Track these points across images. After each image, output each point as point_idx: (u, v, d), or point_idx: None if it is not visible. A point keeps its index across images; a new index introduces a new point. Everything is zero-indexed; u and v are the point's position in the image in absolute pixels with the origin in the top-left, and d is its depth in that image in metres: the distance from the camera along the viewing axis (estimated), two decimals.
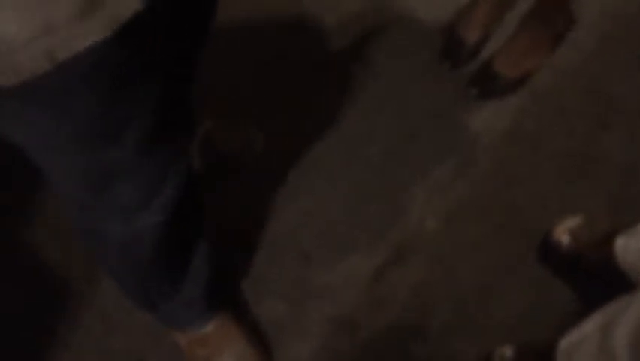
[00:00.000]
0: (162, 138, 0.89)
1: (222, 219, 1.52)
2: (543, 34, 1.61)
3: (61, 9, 0.63)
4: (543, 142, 1.61)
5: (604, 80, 1.67)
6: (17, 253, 1.50)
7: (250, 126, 1.61)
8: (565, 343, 1.15)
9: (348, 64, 1.71)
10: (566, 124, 1.63)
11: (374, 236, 1.53)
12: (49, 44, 0.64)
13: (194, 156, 1.51)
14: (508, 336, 1.37)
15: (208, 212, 1.46)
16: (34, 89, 0.68)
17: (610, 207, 1.52)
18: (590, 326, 1.12)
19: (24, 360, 1.41)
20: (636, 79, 1.67)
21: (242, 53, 1.70)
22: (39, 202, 1.53)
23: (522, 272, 1.47)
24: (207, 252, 1.23)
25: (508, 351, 1.30)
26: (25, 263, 1.49)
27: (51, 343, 1.41)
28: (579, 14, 1.67)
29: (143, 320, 1.37)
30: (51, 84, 0.69)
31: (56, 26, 0.63)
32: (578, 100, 1.65)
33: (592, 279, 1.37)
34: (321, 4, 1.76)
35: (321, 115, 1.65)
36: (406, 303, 1.46)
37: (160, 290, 1.24)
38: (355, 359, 1.41)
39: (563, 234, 1.40)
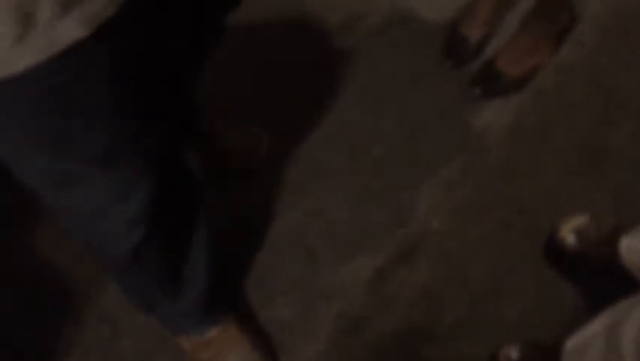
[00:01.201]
0: (124, 151, 0.88)
1: (226, 220, 1.52)
2: (545, 32, 1.60)
3: None
4: (547, 139, 1.61)
5: (607, 76, 1.67)
6: (23, 255, 1.50)
7: (254, 127, 1.61)
8: (571, 343, 1.15)
9: (351, 64, 1.70)
10: (569, 120, 1.62)
11: (379, 236, 1.53)
12: None
13: (197, 157, 1.51)
14: (515, 335, 1.37)
15: (212, 213, 1.47)
16: None
17: (615, 203, 1.51)
18: (597, 326, 1.12)
19: None
20: None
21: (245, 54, 1.70)
22: (42, 205, 1.53)
23: (528, 270, 1.46)
24: (207, 259, 1.23)
25: (513, 352, 1.30)
26: (31, 264, 1.50)
27: (57, 345, 1.42)
28: (581, 10, 1.67)
29: (148, 322, 1.38)
30: None
31: None
32: (582, 96, 1.65)
33: (598, 277, 1.37)
34: (324, 5, 1.76)
35: (324, 115, 1.65)
36: (412, 303, 1.46)
37: (157, 296, 1.25)
38: (362, 360, 1.41)
39: (568, 233, 1.40)
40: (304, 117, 1.64)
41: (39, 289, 1.47)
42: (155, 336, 1.41)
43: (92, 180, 0.89)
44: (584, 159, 1.58)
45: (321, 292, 1.48)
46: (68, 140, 0.80)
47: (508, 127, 1.63)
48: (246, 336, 1.38)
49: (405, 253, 1.51)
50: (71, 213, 0.99)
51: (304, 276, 1.49)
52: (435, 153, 1.60)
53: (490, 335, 1.40)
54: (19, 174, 0.91)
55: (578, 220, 1.41)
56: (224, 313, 1.38)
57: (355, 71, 1.70)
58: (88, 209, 0.96)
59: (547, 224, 1.47)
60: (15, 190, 1.51)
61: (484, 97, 1.64)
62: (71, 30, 0.66)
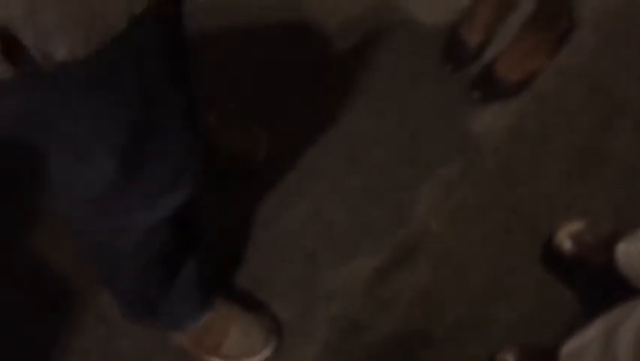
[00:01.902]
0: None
1: (225, 221, 1.53)
2: (545, 36, 1.60)
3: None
4: (547, 142, 1.61)
5: (607, 81, 1.67)
6: (22, 256, 1.51)
7: (254, 128, 1.61)
8: (568, 348, 1.16)
9: (351, 66, 1.71)
10: (569, 124, 1.63)
11: (379, 237, 1.53)
12: (88, 33, 0.67)
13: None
14: (513, 338, 1.38)
15: (211, 213, 1.47)
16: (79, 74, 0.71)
17: (613, 208, 1.52)
18: (593, 331, 1.13)
19: None
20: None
21: (245, 56, 1.70)
22: (42, 205, 1.54)
23: (527, 273, 1.47)
24: (198, 254, 1.25)
25: (510, 356, 1.31)
26: (30, 266, 1.50)
27: (55, 346, 1.42)
28: (581, 14, 1.67)
29: None
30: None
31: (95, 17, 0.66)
32: (581, 101, 1.65)
33: (595, 282, 1.37)
34: (324, 7, 1.76)
35: (324, 117, 1.65)
36: (412, 304, 1.47)
37: (158, 285, 1.25)
38: None
39: (565, 238, 1.40)
40: (304, 119, 1.65)
41: (38, 290, 1.47)
42: (154, 337, 1.41)
43: (162, 151, 0.93)
44: (583, 163, 1.59)
45: (321, 293, 1.48)
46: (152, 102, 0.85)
47: (508, 130, 1.63)
48: (240, 309, 1.40)
49: (404, 254, 1.51)
50: (138, 198, 1.00)
51: (303, 277, 1.50)
52: (434, 155, 1.60)
53: (489, 338, 1.41)
54: (77, 185, 0.94)
55: (575, 225, 1.41)
56: (218, 296, 1.39)
57: (355, 73, 1.70)
58: (155, 186, 0.98)
59: (545, 227, 1.47)
60: (17, 192, 1.53)
61: (483, 100, 1.64)
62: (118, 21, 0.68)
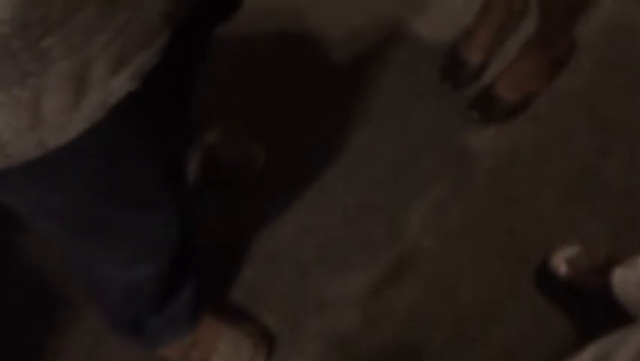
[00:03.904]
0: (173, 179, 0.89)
1: (220, 231, 1.52)
2: (544, 58, 1.61)
3: (51, 103, 0.62)
4: (543, 165, 1.62)
5: (604, 104, 1.68)
6: (11, 264, 1.49)
7: (251, 140, 1.61)
8: None
9: (350, 80, 1.71)
10: (565, 147, 1.63)
11: (372, 253, 1.53)
12: (39, 136, 0.64)
13: (194, 170, 1.51)
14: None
15: (205, 224, 1.46)
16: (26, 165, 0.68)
17: (609, 232, 1.52)
18: (586, 356, 1.12)
19: None
20: (637, 103, 1.68)
21: (244, 66, 1.70)
22: None
23: (519, 296, 1.47)
24: (196, 275, 1.23)
25: None
26: (18, 274, 1.48)
27: (41, 353, 1.41)
28: (578, 38, 1.68)
29: None
30: (42, 161, 0.68)
31: (46, 119, 0.63)
32: (579, 123, 1.66)
33: (589, 307, 1.37)
34: (325, 20, 1.76)
35: (322, 131, 1.65)
36: (402, 322, 1.46)
37: (148, 309, 1.24)
38: None
39: (560, 262, 1.40)
40: (301, 131, 1.64)
41: (26, 299, 1.46)
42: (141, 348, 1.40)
43: (132, 225, 0.90)
44: (579, 187, 1.59)
45: (311, 308, 1.48)
46: (116, 185, 0.80)
47: (504, 152, 1.63)
48: (230, 323, 1.39)
49: (396, 271, 1.51)
50: (110, 263, 0.98)
51: (294, 291, 1.49)
52: (430, 173, 1.60)
53: (479, 359, 1.41)
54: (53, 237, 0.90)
55: (571, 250, 1.41)
56: (207, 310, 1.38)
57: (354, 86, 1.70)
58: (129, 255, 0.96)
59: (539, 250, 1.47)
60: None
61: (481, 120, 1.64)
62: (122, 86, 0.65)
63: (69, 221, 0.84)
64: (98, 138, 0.68)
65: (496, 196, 1.58)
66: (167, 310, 1.23)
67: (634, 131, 1.64)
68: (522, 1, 1.63)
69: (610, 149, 1.63)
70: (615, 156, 1.62)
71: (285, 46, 1.74)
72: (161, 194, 0.90)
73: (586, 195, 1.58)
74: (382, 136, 1.65)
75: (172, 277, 1.15)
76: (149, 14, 0.64)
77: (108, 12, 0.60)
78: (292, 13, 1.76)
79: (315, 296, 1.49)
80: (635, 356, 1.02)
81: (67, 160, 0.70)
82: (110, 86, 0.65)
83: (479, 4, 1.64)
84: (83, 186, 0.77)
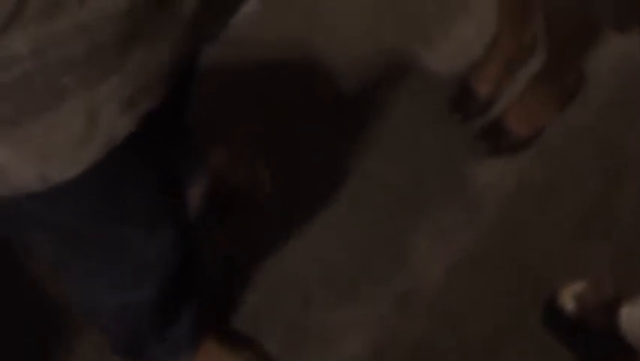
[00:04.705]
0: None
1: (223, 257, 1.52)
2: (553, 92, 1.61)
3: (60, 139, 0.64)
4: (551, 198, 1.61)
5: (614, 139, 1.67)
6: (15, 280, 1.48)
7: (259, 165, 1.61)
8: None
9: (359, 109, 1.71)
10: (575, 182, 1.62)
11: (378, 283, 1.52)
12: (44, 171, 0.66)
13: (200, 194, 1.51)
14: None
15: (210, 249, 1.46)
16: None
17: (617, 268, 1.51)
18: None
19: None
20: None
21: (252, 94, 1.70)
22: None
23: (526, 331, 1.45)
24: (198, 302, 1.23)
25: None
26: (22, 290, 1.48)
27: None
28: (589, 73, 1.68)
29: None
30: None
31: (52, 156, 0.65)
32: (588, 158, 1.65)
33: (596, 344, 1.36)
34: (335, 47, 1.76)
35: (329, 158, 1.65)
36: (408, 353, 1.45)
37: (147, 335, 1.23)
38: None
39: (567, 298, 1.39)
40: (309, 158, 1.64)
41: (30, 315, 1.46)
42: None
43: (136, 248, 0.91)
44: (588, 221, 1.58)
45: (315, 337, 1.47)
46: (114, 206, 0.82)
47: (512, 185, 1.62)
48: (230, 347, 1.38)
49: (401, 302, 1.50)
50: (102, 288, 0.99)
51: (298, 318, 1.48)
52: (437, 205, 1.60)
53: None
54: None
55: (578, 286, 1.40)
56: (208, 335, 1.36)
57: (362, 116, 1.70)
58: (120, 282, 0.97)
59: (547, 285, 1.46)
60: None
61: (490, 153, 1.64)
62: (127, 126, 0.67)
63: (65, 238, 0.85)
64: (96, 167, 0.69)
65: (503, 229, 1.57)
66: (167, 335, 1.22)
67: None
68: (531, 34, 1.63)
69: (620, 184, 1.61)
70: (626, 192, 1.60)
71: (295, 73, 1.74)
72: (158, 216, 0.91)
73: (595, 230, 1.57)
74: (390, 166, 1.64)
75: (170, 302, 1.15)
76: (160, 59, 0.66)
77: (125, 54, 0.62)
78: (302, 41, 1.77)
79: (320, 325, 1.48)
80: None
81: (67, 185, 0.70)
82: (118, 125, 0.66)
83: (489, 36, 1.65)
84: (82, 206, 0.78)
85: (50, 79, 0.60)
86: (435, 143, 1.67)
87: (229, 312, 1.49)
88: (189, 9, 0.66)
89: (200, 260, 1.22)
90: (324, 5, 1.81)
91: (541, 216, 1.59)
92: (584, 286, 1.40)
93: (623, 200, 1.60)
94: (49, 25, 0.56)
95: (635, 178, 1.62)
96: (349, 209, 1.59)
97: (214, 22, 0.72)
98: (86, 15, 0.57)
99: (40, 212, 0.78)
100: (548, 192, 1.62)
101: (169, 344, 1.25)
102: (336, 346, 1.46)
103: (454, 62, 1.73)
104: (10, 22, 0.55)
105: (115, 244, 0.89)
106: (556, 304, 1.40)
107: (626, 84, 1.73)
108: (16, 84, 0.59)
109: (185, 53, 0.69)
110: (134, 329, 1.18)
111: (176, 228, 0.97)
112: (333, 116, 1.70)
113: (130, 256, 0.94)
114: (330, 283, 1.52)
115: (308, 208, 1.59)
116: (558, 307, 1.39)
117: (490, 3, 1.62)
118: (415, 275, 1.52)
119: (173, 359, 1.32)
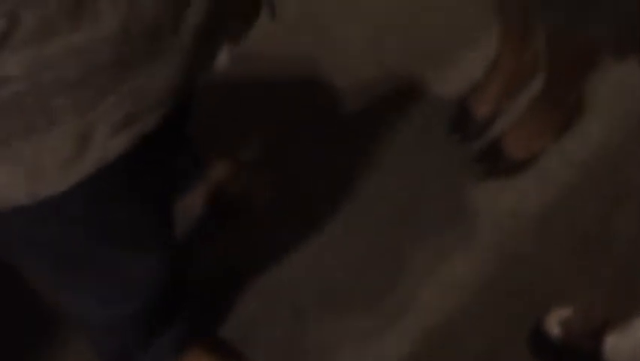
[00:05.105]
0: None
1: (219, 264, 1.53)
2: (552, 116, 1.62)
3: (50, 159, 0.65)
4: (546, 224, 1.61)
5: (612, 167, 1.67)
6: (12, 279, 1.49)
7: (260, 175, 1.62)
8: None
9: (359, 129, 1.72)
10: (570, 208, 1.63)
11: (372, 299, 1.53)
12: (33, 188, 0.67)
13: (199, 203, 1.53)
14: None
15: (205, 254, 1.47)
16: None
17: (607, 296, 1.51)
18: None
19: None
20: None
21: (255, 113, 1.72)
22: None
23: (513, 356, 1.46)
24: (185, 316, 1.25)
25: None
26: (19, 288, 1.49)
27: None
28: (588, 101, 1.69)
29: None
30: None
31: (42, 174, 0.66)
32: (584, 184, 1.65)
33: None
34: (340, 67, 1.78)
35: (328, 176, 1.66)
36: None
37: (133, 345, 1.25)
38: None
39: (554, 324, 1.40)
40: (308, 175, 1.66)
41: (27, 314, 1.47)
42: None
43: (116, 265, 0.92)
44: (582, 247, 1.58)
45: (306, 351, 1.47)
46: (102, 225, 0.82)
47: (510, 207, 1.63)
48: (219, 357, 1.40)
49: (395, 320, 1.50)
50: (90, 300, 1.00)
51: (290, 333, 1.49)
52: (434, 225, 1.61)
53: None
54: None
55: (565, 311, 1.41)
56: (196, 345, 1.38)
57: (362, 135, 1.71)
58: (107, 294, 0.98)
59: (537, 310, 1.46)
60: None
61: (487, 175, 1.65)
62: (119, 146, 0.68)
63: (54, 258, 0.86)
64: (86, 185, 0.70)
65: (498, 252, 1.58)
66: (153, 347, 1.24)
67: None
68: (531, 57, 1.64)
69: (615, 212, 1.61)
70: (621, 220, 1.60)
71: (300, 90, 1.76)
72: (146, 238, 0.92)
73: (594, 252, 1.57)
74: (387, 184, 1.65)
75: (157, 316, 1.16)
76: (156, 85, 0.67)
77: (120, 79, 0.63)
78: (304, 61, 1.79)
79: (311, 339, 1.48)
80: None
81: (55, 202, 0.71)
82: (109, 146, 0.67)
83: (490, 59, 1.66)
84: (71, 224, 0.79)
85: (42, 100, 0.60)
86: (434, 163, 1.68)
87: (222, 320, 1.50)
88: (188, 38, 0.66)
89: (185, 279, 1.23)
90: (335, 27, 1.84)
91: (535, 240, 1.59)
92: (571, 311, 1.40)
93: (618, 228, 1.60)
94: (41, 47, 0.57)
95: (629, 206, 1.62)
96: (347, 225, 1.61)
97: (211, 54, 0.73)
98: (78, 38, 0.58)
99: (29, 233, 0.79)
100: (543, 217, 1.62)
101: (155, 354, 1.26)
102: (330, 360, 1.46)
103: (455, 84, 1.74)
104: (1, 44, 0.55)
105: (103, 264, 0.90)
106: (542, 329, 1.40)
107: (626, 113, 1.73)
108: (6, 104, 0.59)
109: (184, 81, 0.70)
110: (121, 340, 1.20)
111: (164, 250, 0.98)
112: (333, 135, 1.72)
113: (118, 275, 0.94)
114: (324, 298, 1.52)
115: (307, 222, 1.60)
116: (544, 332, 1.40)
117: (494, 30, 1.63)
118: (409, 293, 1.53)
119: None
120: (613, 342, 1.27)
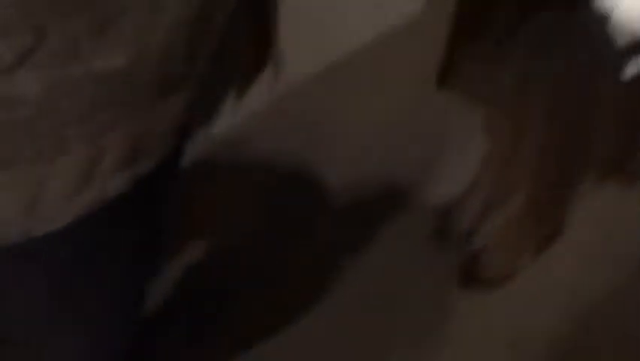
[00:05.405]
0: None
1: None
2: (532, 235, 1.63)
3: (52, 191, 0.63)
4: (518, 345, 1.60)
5: (586, 296, 1.67)
6: None
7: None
8: None
9: (339, 229, 1.73)
10: (544, 328, 1.62)
11: None
12: (28, 225, 0.65)
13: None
14: None
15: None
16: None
17: None
18: None
19: None
20: (620, 297, 1.67)
21: (243, 192, 1.73)
22: None
23: None
24: None
25: None
26: None
27: None
28: (568, 227, 1.70)
29: None
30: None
31: (41, 208, 0.64)
32: (558, 305, 1.65)
33: None
34: (332, 164, 1.79)
35: (310, 275, 1.66)
36: None
37: None
38: None
39: None
40: (283, 271, 1.65)
41: None
42: None
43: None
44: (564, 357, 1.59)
45: None
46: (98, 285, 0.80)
47: (483, 324, 1.63)
48: None
49: None
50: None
51: None
52: (413, 335, 1.60)
53: None
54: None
55: None
56: None
57: (343, 235, 1.72)
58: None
59: None
60: None
61: (465, 288, 1.65)
62: (119, 186, 0.66)
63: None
64: (75, 228, 0.68)
65: None
66: None
67: (617, 327, 1.63)
68: (514, 174, 1.66)
69: (589, 330, 1.61)
70: (594, 336, 1.60)
71: (289, 181, 1.77)
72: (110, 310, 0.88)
73: None
74: (366, 292, 1.64)
75: None
76: (164, 123, 0.66)
77: (130, 111, 0.62)
78: (302, 152, 1.80)
79: None
80: None
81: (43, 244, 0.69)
82: (108, 184, 0.65)
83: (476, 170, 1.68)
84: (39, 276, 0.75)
85: (55, 128, 0.58)
86: (414, 272, 1.68)
87: None
88: (203, 68, 0.66)
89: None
90: (329, 124, 1.85)
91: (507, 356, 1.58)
92: None
93: (595, 343, 1.59)
94: (63, 69, 0.55)
95: (604, 324, 1.62)
96: (328, 330, 1.60)
97: (216, 100, 0.73)
98: (98, 65, 0.56)
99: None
100: (517, 335, 1.61)
101: None
102: None
103: (441, 192, 1.77)
104: (24, 60, 0.53)
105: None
106: None
107: (605, 242, 1.75)
108: (19, 127, 0.57)
109: (189, 119, 0.69)
110: None
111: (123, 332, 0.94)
112: (321, 227, 1.72)
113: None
114: None
115: (280, 321, 1.59)
116: None
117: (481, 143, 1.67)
118: None
119: None
120: None
